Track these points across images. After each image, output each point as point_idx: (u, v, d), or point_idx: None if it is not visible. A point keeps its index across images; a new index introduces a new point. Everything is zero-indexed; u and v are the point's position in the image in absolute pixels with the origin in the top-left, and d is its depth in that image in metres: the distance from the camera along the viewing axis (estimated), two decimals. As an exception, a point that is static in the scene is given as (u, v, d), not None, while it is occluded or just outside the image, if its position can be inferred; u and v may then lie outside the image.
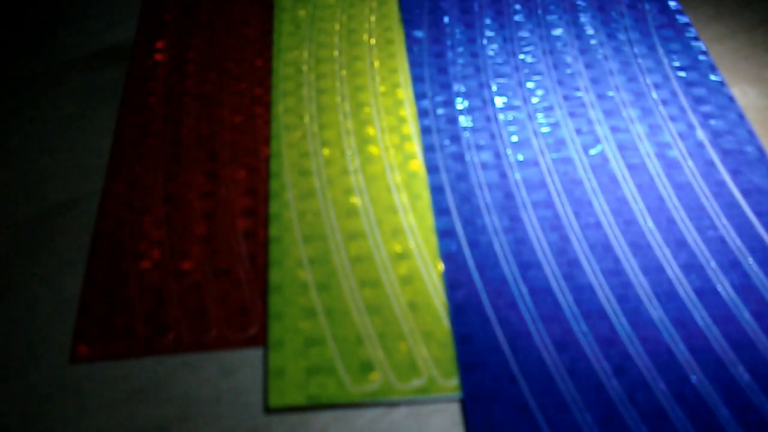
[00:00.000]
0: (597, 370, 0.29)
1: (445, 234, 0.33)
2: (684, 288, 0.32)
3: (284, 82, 0.41)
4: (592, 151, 0.37)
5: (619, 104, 0.39)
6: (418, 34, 0.43)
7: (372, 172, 0.36)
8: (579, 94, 0.40)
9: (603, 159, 0.37)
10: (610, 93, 0.40)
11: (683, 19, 0.44)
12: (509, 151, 0.37)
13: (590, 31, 0.44)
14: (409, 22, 0.44)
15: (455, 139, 0.38)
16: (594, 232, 0.34)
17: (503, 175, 0.36)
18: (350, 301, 0.31)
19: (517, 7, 0.45)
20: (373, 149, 0.37)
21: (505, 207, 0.35)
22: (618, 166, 0.36)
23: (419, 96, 0.40)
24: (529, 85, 0.40)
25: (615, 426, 0.28)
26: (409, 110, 0.39)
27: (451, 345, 0.30)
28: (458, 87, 0.40)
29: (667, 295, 0.31)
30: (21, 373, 0.30)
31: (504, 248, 0.33)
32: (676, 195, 0.35)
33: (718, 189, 0.35)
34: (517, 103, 0.39)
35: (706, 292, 0.31)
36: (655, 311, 0.31)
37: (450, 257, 0.33)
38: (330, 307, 0.31)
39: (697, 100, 0.39)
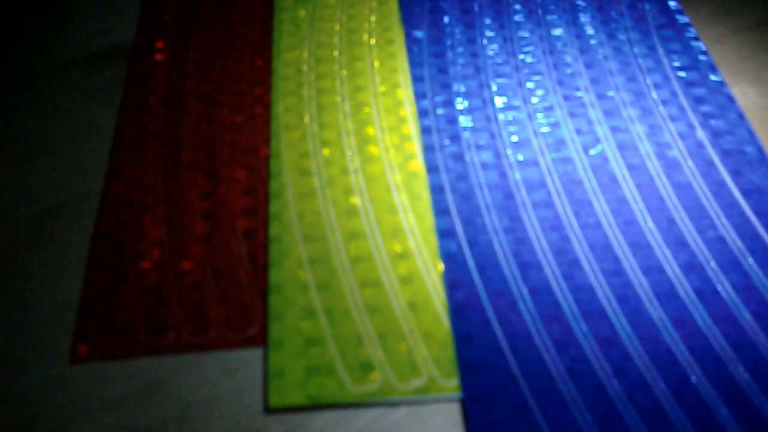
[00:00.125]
0: (597, 370, 0.29)
1: (445, 234, 0.33)
2: (684, 288, 0.32)
3: (284, 82, 0.41)
4: (592, 151, 0.37)
5: (619, 104, 0.39)
6: (418, 34, 0.43)
7: (372, 172, 0.36)
8: (579, 94, 0.40)
9: (603, 159, 0.37)
10: (610, 93, 0.40)
11: (683, 19, 0.44)
12: (509, 151, 0.37)
13: (590, 31, 0.44)
14: (409, 22, 0.44)
15: (455, 139, 0.38)
16: (594, 232, 0.34)
17: (503, 175, 0.36)
18: (350, 301, 0.31)
19: (517, 7, 0.45)
20: (373, 149, 0.37)
21: (505, 207, 0.35)
22: (618, 166, 0.36)
23: (419, 96, 0.40)
24: (529, 85, 0.40)
25: (615, 426, 0.28)
26: (409, 110, 0.39)
27: (451, 345, 0.30)
28: (458, 87, 0.40)
29: (667, 295, 0.31)
30: (21, 373, 0.30)
31: (504, 248, 0.33)
32: (676, 195, 0.35)
33: (718, 189, 0.35)
34: (517, 103, 0.39)
35: (706, 292, 0.31)
36: (655, 311, 0.31)
37: (450, 257, 0.33)
38: (330, 307, 0.31)
39: (697, 100, 0.39)
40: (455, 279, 0.32)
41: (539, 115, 0.39)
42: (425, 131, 0.38)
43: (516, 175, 0.36)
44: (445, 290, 0.32)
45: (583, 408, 0.28)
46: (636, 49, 0.42)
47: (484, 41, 0.43)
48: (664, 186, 0.35)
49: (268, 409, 0.29)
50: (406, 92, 0.40)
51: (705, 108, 0.39)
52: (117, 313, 0.31)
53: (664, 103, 0.39)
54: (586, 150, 0.37)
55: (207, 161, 0.37)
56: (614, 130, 0.38)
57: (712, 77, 0.41)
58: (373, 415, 0.28)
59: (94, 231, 0.34)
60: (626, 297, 0.31)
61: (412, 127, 0.38)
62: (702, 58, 0.42)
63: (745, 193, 0.35)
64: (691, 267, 0.32)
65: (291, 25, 0.44)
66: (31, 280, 0.33)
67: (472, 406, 0.28)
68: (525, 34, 0.43)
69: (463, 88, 0.40)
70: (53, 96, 0.41)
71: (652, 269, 0.32)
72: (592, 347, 0.30)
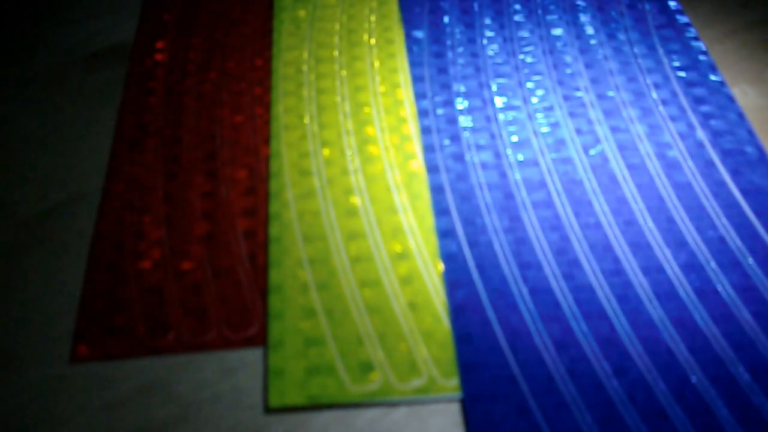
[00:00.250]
0: (597, 370, 0.29)
1: (445, 234, 0.33)
2: (684, 288, 0.32)
3: (284, 82, 0.41)
4: (592, 151, 0.37)
5: (619, 104, 0.39)
6: (418, 34, 0.43)
7: (372, 172, 0.36)
8: (579, 94, 0.40)
9: (603, 159, 0.37)
10: (610, 93, 0.40)
11: (683, 19, 0.44)
12: (509, 151, 0.37)
13: (590, 31, 0.44)
14: (409, 22, 0.44)
15: (455, 139, 0.38)
16: (594, 232, 0.34)
17: (503, 175, 0.36)
18: (350, 301, 0.31)
19: (517, 7, 0.45)
20: (373, 149, 0.37)
21: (505, 207, 0.35)
22: (618, 166, 0.36)
23: (419, 96, 0.40)
24: (529, 85, 0.40)
25: (615, 426, 0.28)
26: (409, 110, 0.39)
27: (451, 345, 0.30)
28: (458, 87, 0.40)
29: (667, 295, 0.31)
30: (21, 373, 0.30)
31: (504, 248, 0.33)
32: (676, 195, 0.35)
33: (718, 189, 0.35)
34: (517, 103, 0.39)
35: (706, 292, 0.31)
36: (655, 311, 0.31)
37: (450, 257, 0.33)
38: (330, 307, 0.31)
39: (697, 100, 0.39)
40: (455, 279, 0.32)
41: (539, 115, 0.39)
42: (425, 131, 0.38)
43: (516, 175, 0.36)
44: (445, 290, 0.32)
45: (583, 408, 0.28)
46: (636, 49, 0.42)
47: (484, 41, 0.43)
48: (664, 186, 0.35)
49: (268, 409, 0.29)
50: (406, 92, 0.40)
51: (705, 108, 0.39)
52: (117, 313, 0.31)
53: (664, 103, 0.39)
54: (586, 150, 0.37)
55: (207, 161, 0.37)
56: (614, 130, 0.38)
57: (712, 77, 0.41)
58: (373, 415, 0.28)
59: (94, 231, 0.34)
60: (626, 297, 0.31)
61: (412, 127, 0.38)
62: (702, 58, 0.42)
63: (745, 193, 0.35)
64: (691, 267, 0.32)
65: (291, 25, 0.44)
66: (31, 280, 0.33)
67: (472, 406, 0.28)
68: (525, 34, 0.43)
69: (463, 88, 0.40)
70: (53, 96, 0.41)
71: (652, 269, 0.32)
72: (592, 347, 0.30)
